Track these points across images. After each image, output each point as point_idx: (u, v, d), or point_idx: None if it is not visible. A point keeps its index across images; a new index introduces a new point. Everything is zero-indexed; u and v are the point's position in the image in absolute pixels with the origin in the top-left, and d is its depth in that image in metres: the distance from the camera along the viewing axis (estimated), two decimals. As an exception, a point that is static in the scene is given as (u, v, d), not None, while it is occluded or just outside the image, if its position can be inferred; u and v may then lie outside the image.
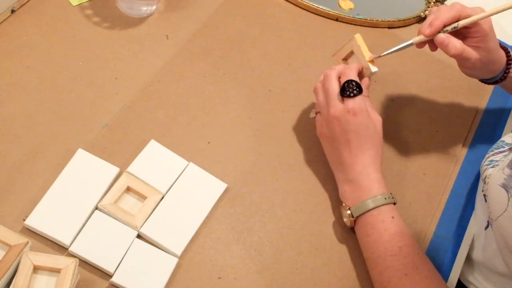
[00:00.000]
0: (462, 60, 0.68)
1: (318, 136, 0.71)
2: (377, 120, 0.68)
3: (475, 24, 0.65)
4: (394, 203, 0.66)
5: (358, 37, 0.70)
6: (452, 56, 0.66)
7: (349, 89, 0.66)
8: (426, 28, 0.66)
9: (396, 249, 0.62)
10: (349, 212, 0.66)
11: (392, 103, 0.82)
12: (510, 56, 0.72)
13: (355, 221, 0.66)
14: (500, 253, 0.69)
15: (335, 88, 0.67)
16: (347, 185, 0.67)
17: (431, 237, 0.72)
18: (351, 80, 0.66)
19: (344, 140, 0.67)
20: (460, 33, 0.67)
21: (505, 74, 0.72)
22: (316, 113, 0.71)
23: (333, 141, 0.68)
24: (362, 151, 0.67)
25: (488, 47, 0.67)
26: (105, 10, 0.78)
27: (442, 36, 0.66)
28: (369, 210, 0.64)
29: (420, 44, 0.68)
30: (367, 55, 0.69)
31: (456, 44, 0.65)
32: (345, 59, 0.74)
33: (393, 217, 0.64)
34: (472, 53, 0.66)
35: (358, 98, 0.66)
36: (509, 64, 0.72)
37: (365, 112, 0.66)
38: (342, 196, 0.68)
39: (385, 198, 0.65)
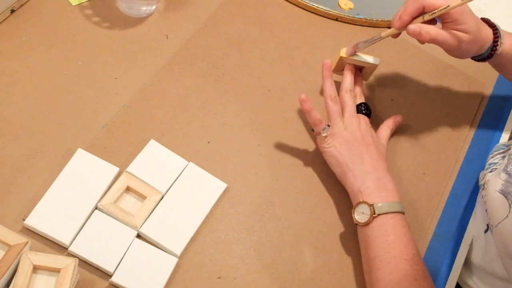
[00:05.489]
0: (441, 45, 0.68)
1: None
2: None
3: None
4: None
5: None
6: (428, 42, 0.67)
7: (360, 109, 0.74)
8: (396, 21, 0.68)
9: (410, 255, 0.63)
10: (369, 208, 0.64)
11: (392, 103, 0.82)
12: (497, 33, 0.71)
13: (374, 218, 0.64)
14: (500, 258, 0.68)
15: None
16: (371, 181, 0.66)
17: (431, 237, 0.72)
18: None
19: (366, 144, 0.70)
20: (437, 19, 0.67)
21: (492, 52, 0.72)
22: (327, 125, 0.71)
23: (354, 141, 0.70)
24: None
25: (466, 29, 0.67)
26: (105, 10, 0.78)
27: (412, 26, 0.66)
28: (395, 212, 0.64)
29: (395, 35, 0.71)
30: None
31: (429, 30, 0.66)
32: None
33: (408, 226, 0.65)
34: (446, 36, 0.67)
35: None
36: (495, 42, 0.71)
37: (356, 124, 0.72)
38: (360, 191, 0.66)
39: (402, 207, 0.66)
